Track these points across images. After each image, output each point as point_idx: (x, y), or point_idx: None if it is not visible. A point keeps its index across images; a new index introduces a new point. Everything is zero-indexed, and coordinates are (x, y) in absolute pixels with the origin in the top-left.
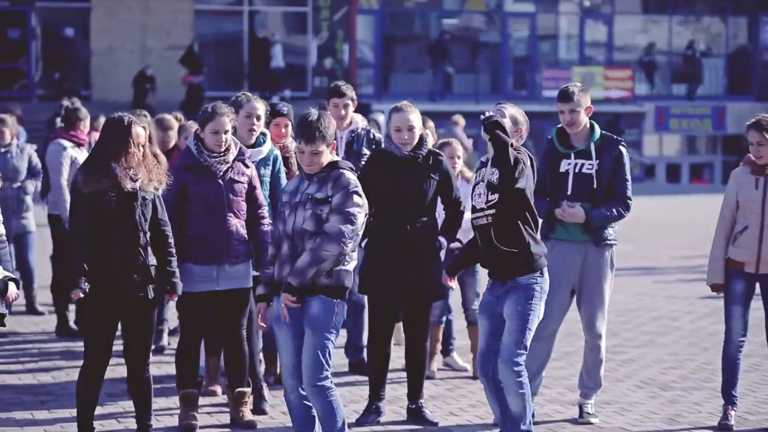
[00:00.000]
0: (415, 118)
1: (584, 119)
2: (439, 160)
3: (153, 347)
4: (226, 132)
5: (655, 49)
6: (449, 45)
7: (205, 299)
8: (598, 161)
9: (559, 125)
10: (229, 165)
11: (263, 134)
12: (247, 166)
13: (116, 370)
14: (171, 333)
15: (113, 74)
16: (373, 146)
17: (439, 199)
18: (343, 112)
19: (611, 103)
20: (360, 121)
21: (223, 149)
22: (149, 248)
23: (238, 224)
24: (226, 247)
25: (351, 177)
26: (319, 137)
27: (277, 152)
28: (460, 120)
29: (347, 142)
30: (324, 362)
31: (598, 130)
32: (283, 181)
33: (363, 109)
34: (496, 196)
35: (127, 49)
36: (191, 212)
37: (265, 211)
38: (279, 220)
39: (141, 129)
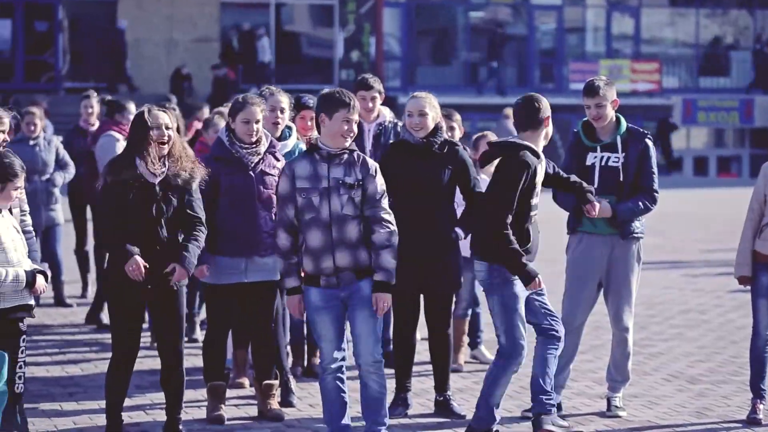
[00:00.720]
0: (428, 105)
1: (610, 113)
2: (455, 150)
3: (186, 339)
4: (257, 122)
5: (722, 44)
6: (503, 39)
7: (233, 291)
8: (624, 154)
9: (585, 118)
10: (260, 157)
11: (289, 128)
12: (278, 159)
13: (145, 362)
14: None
15: (141, 67)
16: None
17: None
18: (370, 104)
19: (638, 95)
20: (387, 114)
21: (254, 139)
22: (169, 241)
23: (267, 217)
24: (255, 239)
25: (370, 159)
26: (354, 105)
27: (303, 146)
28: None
29: (375, 135)
30: (380, 338)
31: (624, 123)
32: None
33: (390, 102)
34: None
35: (153, 42)
36: (222, 204)
37: None
38: (295, 206)
39: (161, 111)
